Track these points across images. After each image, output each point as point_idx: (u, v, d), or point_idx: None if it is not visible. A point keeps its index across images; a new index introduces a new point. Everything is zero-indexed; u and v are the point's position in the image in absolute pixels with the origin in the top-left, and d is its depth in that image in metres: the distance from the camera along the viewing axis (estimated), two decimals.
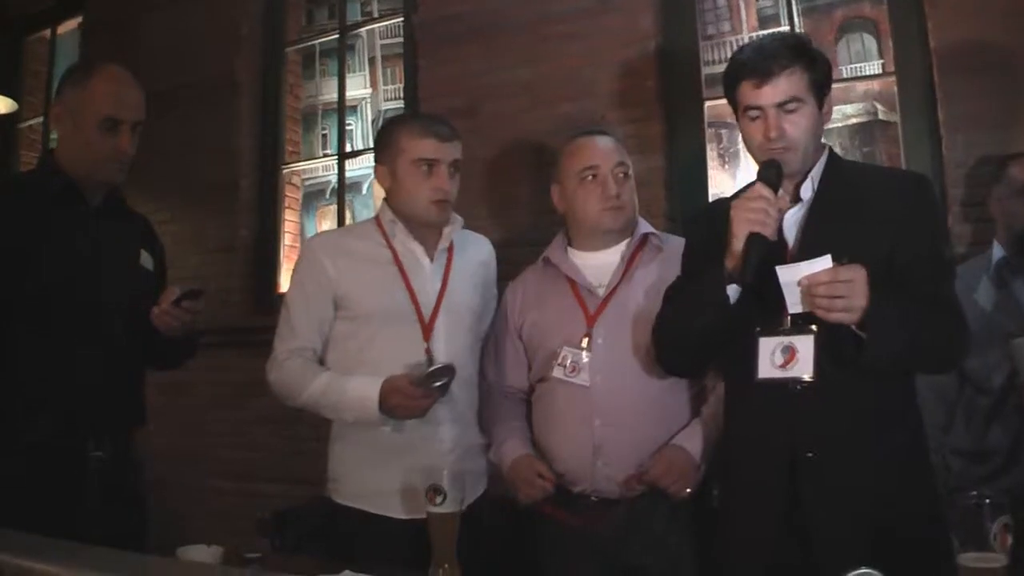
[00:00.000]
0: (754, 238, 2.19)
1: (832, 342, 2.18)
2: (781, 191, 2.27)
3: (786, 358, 2.23)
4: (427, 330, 2.81)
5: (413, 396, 2.63)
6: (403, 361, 2.74)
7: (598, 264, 2.86)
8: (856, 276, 2.06)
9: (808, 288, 2.09)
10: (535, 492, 2.75)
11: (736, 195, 2.38)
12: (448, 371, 2.67)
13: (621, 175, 2.84)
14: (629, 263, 2.84)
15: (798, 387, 2.22)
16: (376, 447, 2.77)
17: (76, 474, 2.65)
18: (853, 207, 2.29)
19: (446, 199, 2.83)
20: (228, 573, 2.21)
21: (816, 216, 2.32)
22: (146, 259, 2.91)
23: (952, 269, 2.50)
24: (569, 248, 2.93)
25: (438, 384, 2.64)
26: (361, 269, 2.84)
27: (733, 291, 2.27)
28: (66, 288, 2.67)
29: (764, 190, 2.22)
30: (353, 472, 2.84)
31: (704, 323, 2.36)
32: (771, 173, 2.26)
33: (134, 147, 2.77)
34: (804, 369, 2.20)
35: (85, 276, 2.70)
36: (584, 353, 2.76)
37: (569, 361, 2.77)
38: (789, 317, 2.21)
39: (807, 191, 2.35)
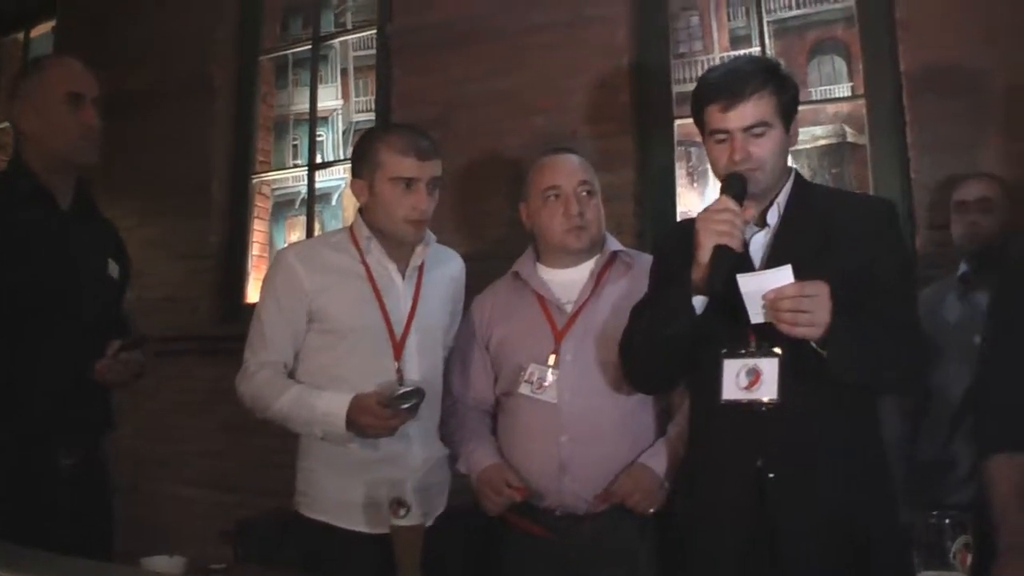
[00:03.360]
0: (720, 250, 2.19)
1: (795, 362, 2.19)
2: (746, 203, 2.28)
3: (751, 380, 2.23)
4: (398, 348, 2.79)
5: (381, 417, 2.61)
6: (374, 378, 2.72)
7: (567, 280, 2.85)
8: (820, 291, 2.07)
9: (773, 302, 2.10)
10: (502, 501, 2.74)
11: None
12: (418, 394, 2.65)
13: (584, 194, 2.83)
14: (598, 280, 2.84)
15: (763, 408, 2.23)
16: (346, 462, 2.75)
17: (46, 482, 2.63)
18: (819, 232, 2.31)
19: (422, 219, 2.79)
20: None
21: (782, 240, 2.34)
22: (113, 268, 2.89)
23: (915, 296, 2.53)
24: (538, 263, 2.92)
25: (407, 406, 2.63)
26: (335, 283, 2.81)
27: (699, 302, 2.27)
28: (37, 293, 2.64)
29: (729, 203, 2.22)
30: (322, 486, 2.81)
31: (670, 334, 2.35)
32: (735, 186, 2.26)
33: (99, 123, 2.77)
34: (768, 391, 2.21)
35: (56, 281, 2.68)
36: (551, 370, 2.76)
37: (536, 377, 2.76)
38: (754, 339, 2.23)
39: (773, 216, 2.37)
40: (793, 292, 2.08)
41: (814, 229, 2.31)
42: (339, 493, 2.77)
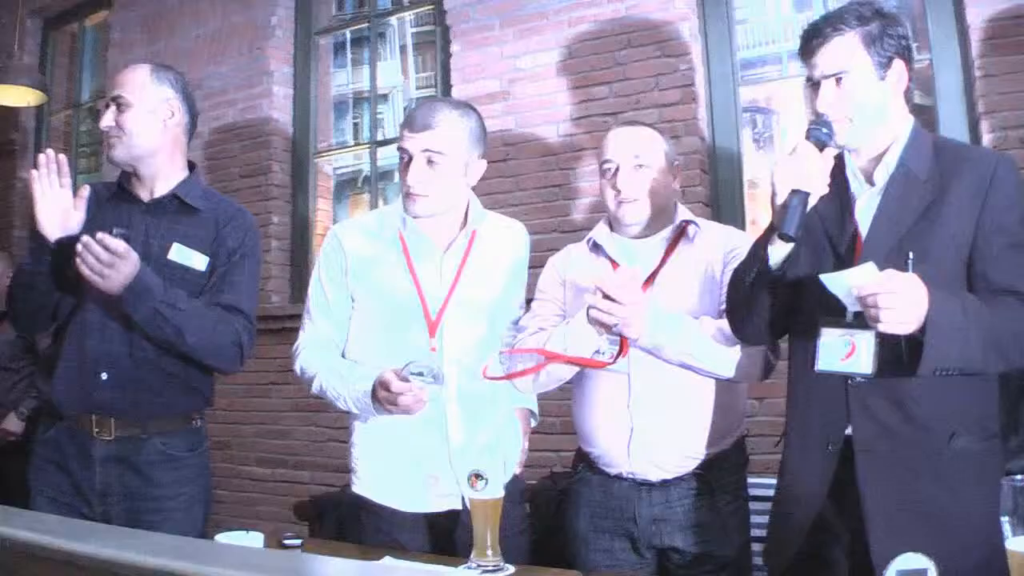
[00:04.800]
0: (794, 193, 2.17)
1: (891, 343, 2.12)
2: (828, 150, 2.23)
3: (847, 351, 2.18)
4: (433, 326, 2.75)
5: (397, 391, 2.55)
6: (408, 355, 2.65)
7: (640, 249, 2.83)
8: (906, 287, 2.01)
9: (859, 299, 2.05)
10: None
11: None
12: (428, 369, 2.57)
13: (634, 167, 2.79)
14: (670, 250, 2.81)
15: (851, 381, 2.20)
16: (388, 442, 2.76)
17: (84, 459, 2.78)
18: (928, 194, 2.22)
19: (411, 192, 2.74)
20: (280, 555, 2.21)
21: (889, 202, 2.26)
22: (185, 254, 2.90)
23: None
24: (613, 233, 2.90)
25: (423, 380, 2.56)
26: (370, 259, 2.81)
27: (780, 249, 2.25)
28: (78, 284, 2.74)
29: (806, 147, 2.20)
30: (369, 465, 2.82)
31: (750, 281, 2.33)
32: (817, 132, 2.23)
33: (125, 122, 2.85)
34: (863, 365, 2.15)
35: None
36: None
37: (607, 346, 2.75)
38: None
39: (881, 175, 2.30)
40: (874, 290, 2.01)
41: (924, 190, 2.23)
42: (380, 472, 2.79)
